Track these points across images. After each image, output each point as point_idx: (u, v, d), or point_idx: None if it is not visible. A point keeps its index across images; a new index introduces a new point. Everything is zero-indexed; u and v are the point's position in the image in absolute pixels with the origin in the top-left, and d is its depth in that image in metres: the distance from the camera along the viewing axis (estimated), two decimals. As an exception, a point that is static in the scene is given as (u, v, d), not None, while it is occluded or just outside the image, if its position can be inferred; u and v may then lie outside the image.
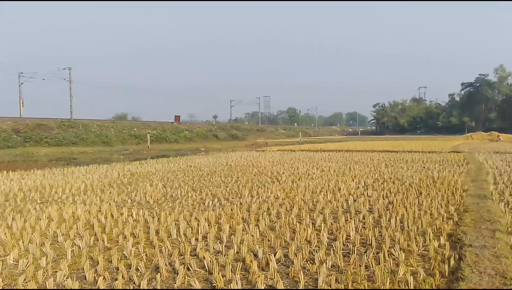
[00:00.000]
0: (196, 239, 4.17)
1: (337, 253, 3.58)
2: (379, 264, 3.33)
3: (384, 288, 2.90)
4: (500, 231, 4.20)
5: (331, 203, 5.98)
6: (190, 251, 3.73)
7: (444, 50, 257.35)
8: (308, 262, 3.46)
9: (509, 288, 2.82)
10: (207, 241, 4.09)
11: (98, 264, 3.39)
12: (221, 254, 3.69)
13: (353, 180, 8.54)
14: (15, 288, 3.03)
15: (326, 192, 7.01)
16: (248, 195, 6.81)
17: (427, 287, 2.91)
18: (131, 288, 2.97)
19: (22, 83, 47.47)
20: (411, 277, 3.00)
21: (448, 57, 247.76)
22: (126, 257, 3.66)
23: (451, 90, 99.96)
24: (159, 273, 3.17)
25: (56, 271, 3.24)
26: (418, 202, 5.94)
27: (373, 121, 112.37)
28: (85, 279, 3.16)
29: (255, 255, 3.60)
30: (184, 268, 3.26)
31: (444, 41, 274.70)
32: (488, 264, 3.24)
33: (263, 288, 2.92)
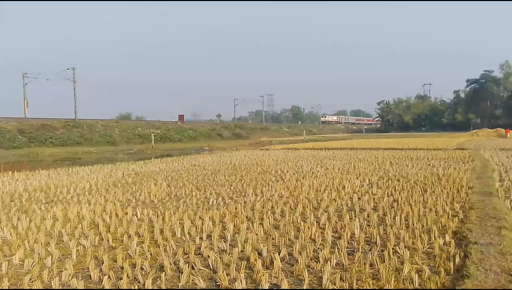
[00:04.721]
0: (201, 238, 4.18)
1: (341, 251, 3.57)
2: (384, 262, 3.31)
3: (389, 288, 2.88)
4: (506, 228, 4.17)
5: (335, 201, 5.96)
6: (195, 250, 3.73)
7: (449, 46, 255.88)
8: (313, 260, 3.45)
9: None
10: (211, 240, 4.09)
11: (103, 263, 3.40)
12: (225, 252, 3.69)
13: (357, 178, 8.51)
14: (20, 288, 3.05)
15: (331, 190, 6.99)
16: (252, 193, 6.81)
17: (432, 285, 2.89)
18: (136, 287, 2.98)
19: (26, 84, 47.79)
20: (416, 275, 2.99)
21: (453, 53, 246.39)
22: (131, 256, 3.67)
23: (456, 87, 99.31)
24: (163, 272, 3.18)
25: (62, 271, 3.26)
26: (423, 200, 5.91)
27: (377, 118, 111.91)
28: (90, 279, 3.17)
29: (260, 254, 3.60)
30: (188, 267, 3.27)
31: (449, 37, 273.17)
32: (493, 261, 3.22)
33: (267, 286, 2.92)
